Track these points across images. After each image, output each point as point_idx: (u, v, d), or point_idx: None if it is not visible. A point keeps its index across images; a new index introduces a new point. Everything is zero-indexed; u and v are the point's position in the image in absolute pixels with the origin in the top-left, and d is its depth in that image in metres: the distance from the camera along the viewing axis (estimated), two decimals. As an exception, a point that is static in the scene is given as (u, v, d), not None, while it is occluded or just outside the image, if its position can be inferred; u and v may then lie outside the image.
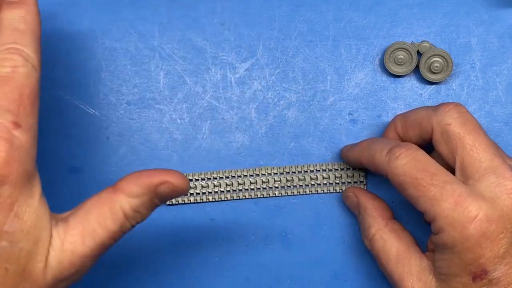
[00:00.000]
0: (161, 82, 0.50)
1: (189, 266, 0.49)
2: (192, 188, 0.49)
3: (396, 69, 0.50)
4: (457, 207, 0.40)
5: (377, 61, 0.50)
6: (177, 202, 0.49)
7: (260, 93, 0.50)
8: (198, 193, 0.49)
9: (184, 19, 0.51)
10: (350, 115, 0.50)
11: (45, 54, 0.51)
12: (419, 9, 0.50)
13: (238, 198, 0.49)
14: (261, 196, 0.49)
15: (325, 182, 0.49)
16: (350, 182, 0.49)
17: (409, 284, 0.43)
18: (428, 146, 0.46)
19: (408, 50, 0.49)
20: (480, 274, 0.40)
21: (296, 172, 0.49)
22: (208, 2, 0.51)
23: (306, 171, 0.49)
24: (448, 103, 0.44)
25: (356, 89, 0.50)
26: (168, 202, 0.49)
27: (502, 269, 0.40)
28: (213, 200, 0.49)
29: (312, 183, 0.49)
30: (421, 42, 0.49)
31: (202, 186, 0.49)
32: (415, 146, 0.42)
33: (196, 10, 0.51)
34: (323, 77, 0.50)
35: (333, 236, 0.50)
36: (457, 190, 0.40)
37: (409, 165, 0.42)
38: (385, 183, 0.49)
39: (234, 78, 0.50)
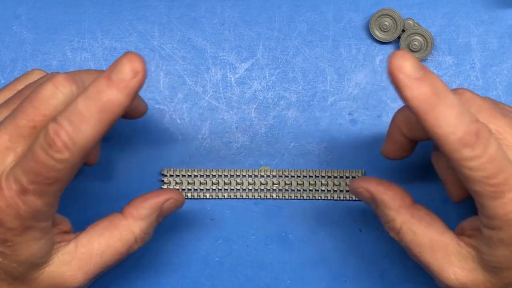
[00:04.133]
0: (161, 82, 0.50)
1: (189, 266, 0.49)
2: (190, 184, 0.49)
3: (380, 35, 0.50)
4: None
5: (377, 61, 0.50)
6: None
7: (260, 93, 0.50)
8: (196, 189, 0.49)
9: (184, 19, 0.51)
10: (350, 115, 0.50)
11: (45, 54, 0.51)
12: (419, 9, 0.50)
13: (235, 197, 0.49)
14: (259, 197, 0.49)
15: (323, 189, 0.49)
16: (348, 191, 0.49)
17: (452, 275, 0.40)
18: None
19: (394, 18, 0.49)
20: None
21: (295, 176, 0.49)
22: (208, 2, 0.51)
23: (305, 176, 0.49)
24: (454, 90, 0.40)
25: (356, 89, 0.50)
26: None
27: None
28: (210, 197, 0.49)
29: (311, 188, 0.49)
30: (406, 19, 0.49)
31: (201, 183, 0.49)
32: (490, 132, 0.37)
33: (196, 10, 0.51)
34: (323, 77, 0.50)
35: (333, 236, 0.49)
36: None
37: (484, 160, 0.36)
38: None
39: (234, 78, 0.50)
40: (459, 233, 0.42)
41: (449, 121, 0.36)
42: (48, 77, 0.39)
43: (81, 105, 0.36)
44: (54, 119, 0.36)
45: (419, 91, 0.36)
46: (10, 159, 0.38)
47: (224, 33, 0.51)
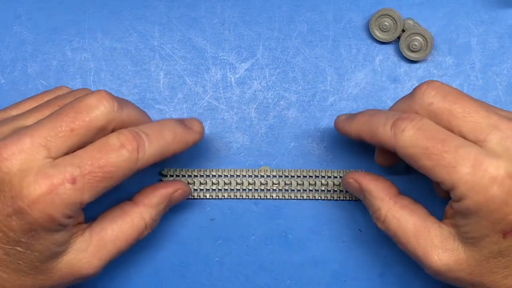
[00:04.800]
0: (161, 82, 0.50)
1: (189, 266, 0.49)
2: (190, 184, 0.49)
3: (380, 35, 0.50)
4: (476, 170, 0.39)
5: (377, 61, 0.50)
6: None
7: (260, 93, 0.50)
8: (195, 189, 0.49)
9: (184, 19, 0.51)
10: (350, 115, 0.50)
11: (45, 54, 0.51)
12: (419, 9, 0.50)
13: (235, 197, 0.49)
14: (259, 197, 0.49)
15: (323, 188, 0.49)
16: (347, 191, 0.49)
17: (436, 257, 0.42)
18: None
19: (394, 18, 0.49)
20: (510, 230, 0.40)
21: (295, 176, 0.49)
22: (208, 2, 0.51)
23: (305, 176, 0.49)
24: (420, 85, 0.43)
25: (356, 89, 0.50)
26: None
27: None
28: (210, 197, 0.49)
29: (310, 188, 0.49)
30: (406, 19, 0.49)
31: (201, 183, 0.49)
32: (419, 116, 0.41)
33: (196, 10, 0.51)
34: (323, 77, 0.50)
35: (333, 236, 0.50)
36: (471, 153, 0.39)
37: (417, 136, 0.40)
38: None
39: (234, 78, 0.50)
40: (443, 219, 0.43)
41: (378, 121, 0.42)
42: (91, 92, 0.42)
43: (160, 127, 0.43)
44: (129, 129, 0.41)
45: (351, 121, 0.44)
46: (43, 154, 0.39)
47: (224, 33, 0.51)
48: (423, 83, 0.43)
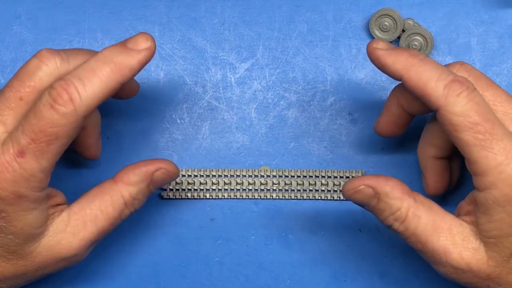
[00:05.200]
0: (161, 82, 0.50)
1: (189, 266, 0.49)
2: (190, 184, 0.49)
3: (380, 35, 0.50)
4: None
5: (377, 61, 0.50)
6: (174, 197, 0.49)
7: (260, 93, 0.50)
8: (196, 189, 0.49)
9: (184, 19, 0.51)
10: (350, 115, 0.50)
11: (45, 54, 0.51)
12: (419, 9, 0.50)
13: (235, 197, 0.49)
14: (259, 197, 0.49)
15: (323, 188, 0.49)
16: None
17: (458, 255, 0.40)
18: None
19: (394, 18, 0.49)
20: None
21: (295, 176, 0.49)
22: (208, 2, 0.51)
23: (305, 176, 0.49)
24: (453, 63, 0.42)
25: (356, 89, 0.50)
26: (165, 196, 0.49)
27: None
28: (210, 197, 0.49)
29: (310, 188, 0.49)
30: (406, 19, 0.50)
31: (201, 183, 0.49)
32: (472, 84, 0.39)
33: (196, 10, 0.51)
34: (323, 77, 0.50)
35: (333, 236, 0.50)
36: None
37: (470, 106, 0.38)
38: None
39: (234, 78, 0.50)
40: (457, 216, 0.42)
41: (431, 74, 0.39)
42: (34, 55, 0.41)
43: (93, 64, 0.39)
44: (61, 78, 0.38)
45: (396, 55, 0.41)
46: (0, 130, 0.39)
47: (224, 33, 0.51)
48: (456, 62, 0.42)
